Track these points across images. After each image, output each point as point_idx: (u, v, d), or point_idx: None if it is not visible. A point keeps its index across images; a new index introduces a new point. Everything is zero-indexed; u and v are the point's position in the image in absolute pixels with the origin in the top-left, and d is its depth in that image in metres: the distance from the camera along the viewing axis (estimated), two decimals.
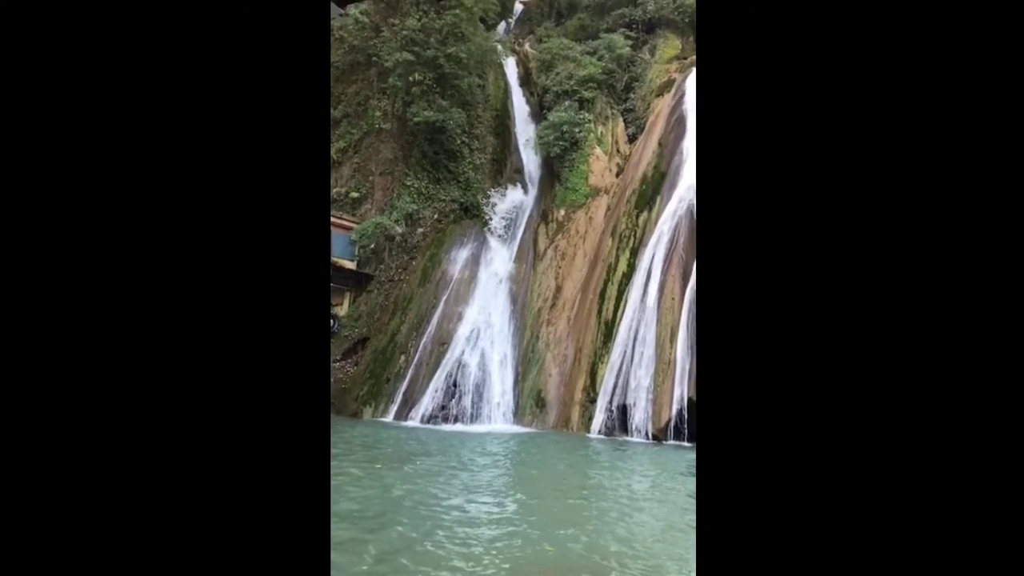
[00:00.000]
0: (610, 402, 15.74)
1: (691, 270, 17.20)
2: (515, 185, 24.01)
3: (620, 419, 15.45)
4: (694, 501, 7.76)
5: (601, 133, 22.69)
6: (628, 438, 14.97)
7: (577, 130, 21.88)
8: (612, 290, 18.28)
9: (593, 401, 16.18)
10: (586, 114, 22.49)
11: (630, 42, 25.49)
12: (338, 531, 5.67)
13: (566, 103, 22.82)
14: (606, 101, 23.56)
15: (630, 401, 15.48)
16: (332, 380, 18.39)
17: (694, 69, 23.82)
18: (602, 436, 15.30)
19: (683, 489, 9.07)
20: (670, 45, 25.68)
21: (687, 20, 26.54)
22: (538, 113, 25.28)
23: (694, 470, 10.40)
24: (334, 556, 4.87)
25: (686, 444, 14.19)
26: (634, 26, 26.60)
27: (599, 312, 17.93)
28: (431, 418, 17.01)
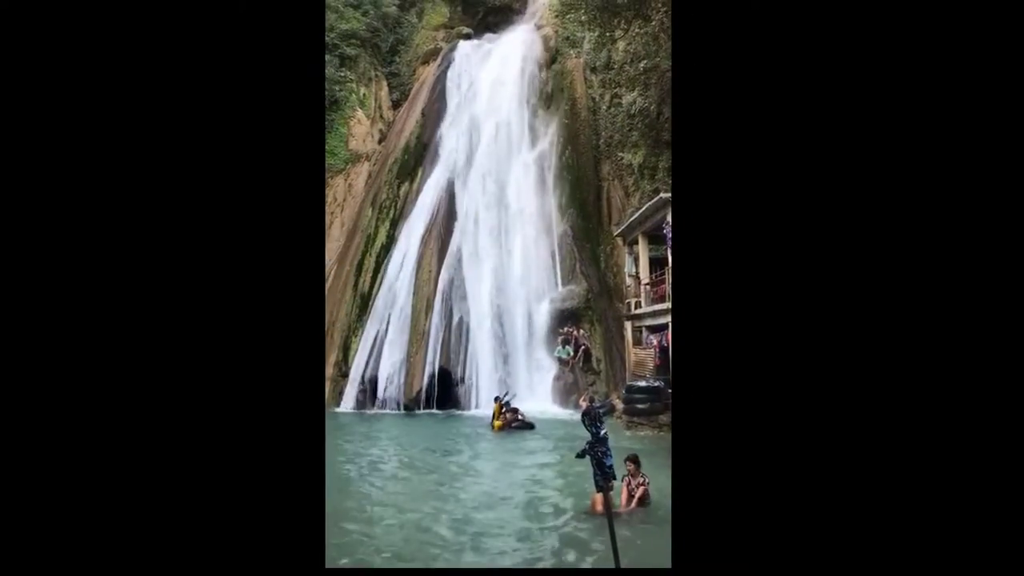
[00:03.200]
0: (363, 376, 15.89)
1: (448, 244, 18.04)
2: None
3: (371, 391, 15.73)
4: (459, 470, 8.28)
5: (364, 95, 22.04)
6: (380, 411, 15.35)
7: (337, 88, 20.89)
8: (370, 262, 18.25)
9: (345, 375, 16.15)
10: (348, 72, 21.56)
11: (397, 1, 24.94)
12: None
13: (324, 57, 21.49)
14: (370, 62, 22.86)
15: (382, 373, 15.84)
16: None
17: (460, 41, 24.42)
18: (353, 411, 15.41)
19: (444, 459, 9.66)
20: (438, 12, 25.83)
21: None
22: None
23: (456, 440, 11.22)
24: None
25: (437, 411, 15.12)
26: None
27: (355, 285, 17.79)
28: None
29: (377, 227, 18.98)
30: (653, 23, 15.93)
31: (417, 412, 15.18)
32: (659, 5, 15.33)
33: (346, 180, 20.07)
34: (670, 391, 10.85)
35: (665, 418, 10.76)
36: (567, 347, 15.66)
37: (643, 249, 14.35)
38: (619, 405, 12.53)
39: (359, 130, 21.14)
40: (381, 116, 22.35)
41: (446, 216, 18.54)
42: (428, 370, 15.64)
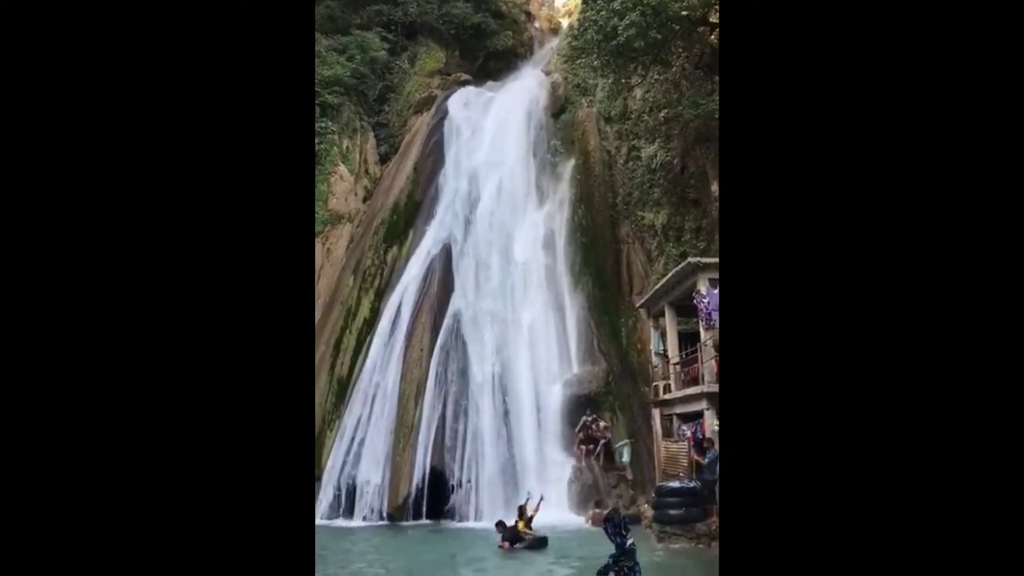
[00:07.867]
0: (338, 479, 15.74)
1: (443, 318, 18.30)
2: None
3: (348, 498, 15.54)
4: None
5: (347, 148, 23.05)
6: (358, 522, 15.09)
7: (317, 141, 21.86)
8: (350, 340, 18.47)
9: (317, 478, 16.00)
10: (329, 123, 22.64)
11: (387, 45, 26.50)
12: None
13: (315, 107, 22.68)
14: (355, 111, 24.05)
15: (362, 475, 15.69)
16: None
17: (458, 87, 25.75)
18: (325, 521, 15.16)
19: None
20: (432, 57, 27.38)
21: (452, 31, 28.66)
22: None
23: (453, 563, 10.95)
24: None
25: (428, 522, 14.84)
26: (393, 28, 27.77)
27: (332, 367, 17.93)
28: None
29: (359, 298, 19.34)
30: (674, 69, 16.94)
31: (404, 523, 14.90)
32: (679, 50, 16.37)
33: (324, 245, 20.64)
34: (707, 493, 10.75)
35: (704, 527, 10.60)
36: (626, 447, 15.56)
37: (671, 322, 14.57)
38: (648, 511, 12.35)
39: (341, 187, 21.96)
40: (367, 171, 23.27)
41: (441, 285, 18.93)
42: (417, 471, 15.47)
